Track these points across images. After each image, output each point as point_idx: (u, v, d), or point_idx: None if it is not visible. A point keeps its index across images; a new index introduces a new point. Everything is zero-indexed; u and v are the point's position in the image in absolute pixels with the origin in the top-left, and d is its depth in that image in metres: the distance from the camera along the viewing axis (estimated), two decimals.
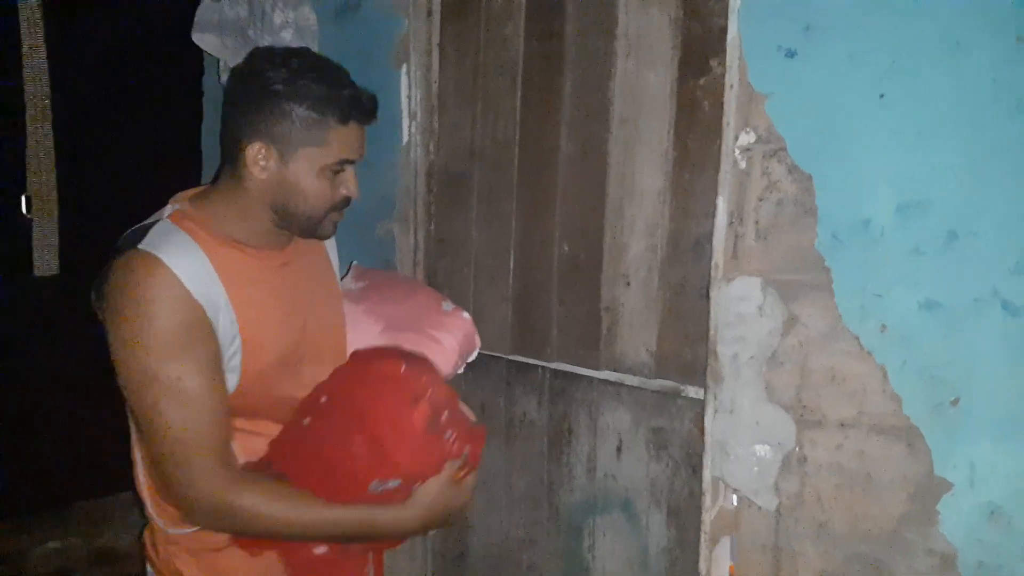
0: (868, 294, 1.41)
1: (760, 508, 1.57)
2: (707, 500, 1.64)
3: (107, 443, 2.53)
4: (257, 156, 1.30)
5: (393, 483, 1.29)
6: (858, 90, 1.39)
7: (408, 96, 2.16)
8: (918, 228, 1.35)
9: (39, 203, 1.98)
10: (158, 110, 2.60)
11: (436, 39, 2.16)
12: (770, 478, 1.55)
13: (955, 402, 1.34)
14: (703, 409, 1.64)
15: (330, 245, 1.62)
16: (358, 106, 1.32)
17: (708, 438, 1.63)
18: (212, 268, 1.28)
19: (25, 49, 1.90)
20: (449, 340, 1.68)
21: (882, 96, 1.37)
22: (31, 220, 1.98)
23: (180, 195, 1.39)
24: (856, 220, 1.41)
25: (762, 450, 1.56)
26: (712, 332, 1.60)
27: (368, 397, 1.33)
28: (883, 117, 1.37)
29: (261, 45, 2.13)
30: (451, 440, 1.32)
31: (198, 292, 1.25)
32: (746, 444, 1.58)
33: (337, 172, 1.34)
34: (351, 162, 1.36)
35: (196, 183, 2.68)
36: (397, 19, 2.15)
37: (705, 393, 1.63)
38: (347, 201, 1.39)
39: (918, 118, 1.34)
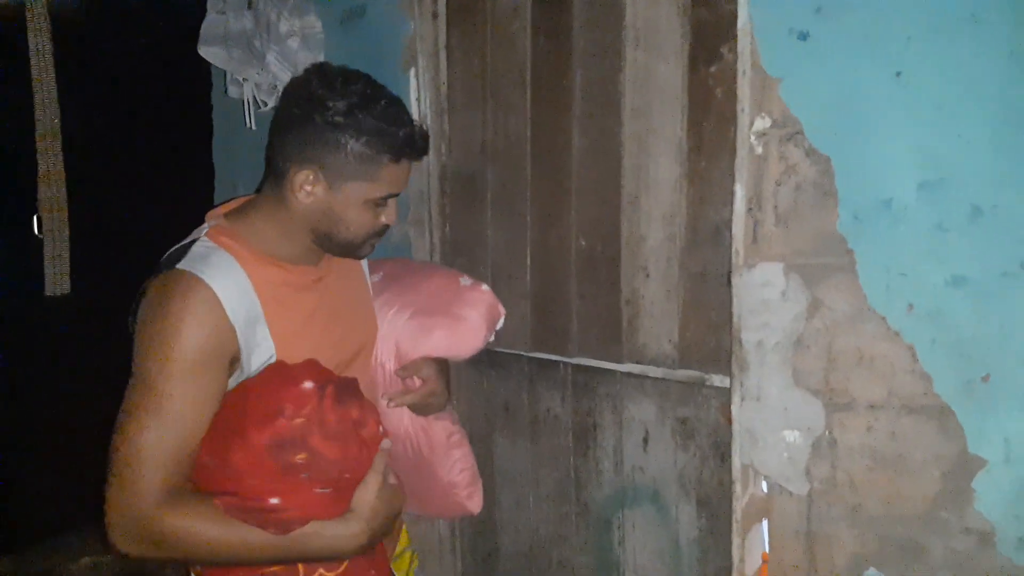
0: (893, 274, 1.40)
1: (792, 494, 1.57)
2: (738, 488, 1.63)
3: None
4: (305, 182, 1.29)
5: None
6: (874, 69, 1.39)
7: (418, 99, 2.16)
8: (941, 204, 1.34)
9: (50, 222, 1.98)
10: (168, 126, 2.60)
11: (443, 40, 2.16)
12: (801, 463, 1.55)
13: (986, 378, 1.33)
14: (729, 397, 1.64)
15: None
16: (412, 145, 1.32)
17: (736, 426, 1.62)
18: (251, 286, 1.28)
19: (34, 68, 1.90)
20: (474, 316, 1.67)
21: (899, 74, 1.36)
22: (42, 240, 1.97)
23: (214, 211, 1.38)
24: (878, 200, 1.40)
25: (791, 435, 1.56)
26: (736, 319, 1.60)
27: (260, 381, 1.26)
28: (900, 95, 1.36)
29: (267, 55, 2.14)
30: (301, 477, 1.21)
31: (235, 315, 1.24)
32: (775, 430, 1.57)
33: (380, 203, 1.35)
34: (396, 195, 1.37)
35: (208, 198, 2.70)
36: (403, 22, 2.15)
37: (731, 381, 1.63)
38: (387, 227, 1.40)
39: (936, 94, 1.33)
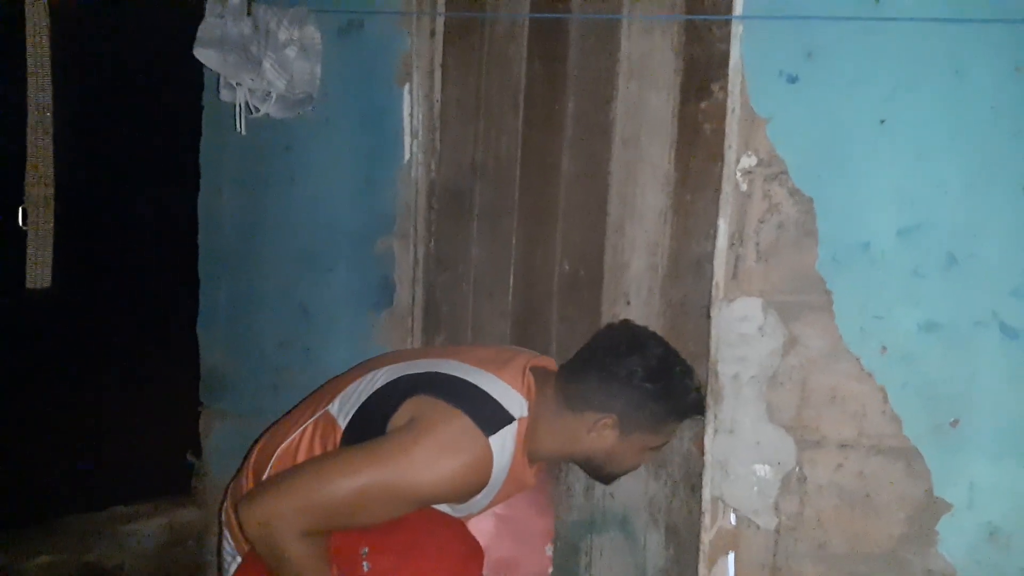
0: (868, 315, 1.43)
1: (760, 528, 1.58)
2: (706, 519, 1.64)
3: (96, 457, 2.51)
4: (602, 427, 1.46)
5: (367, 565, 1.36)
6: (859, 115, 1.42)
7: (410, 114, 2.17)
8: (918, 251, 1.37)
9: (35, 215, 1.96)
10: (158, 125, 2.59)
11: (439, 59, 2.18)
12: (770, 498, 1.56)
13: (955, 423, 1.35)
14: (703, 428, 1.65)
15: None
16: (697, 408, 1.54)
17: (708, 457, 1.64)
18: (508, 475, 1.42)
19: (30, 58, 1.89)
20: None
21: (883, 121, 1.40)
22: (26, 232, 1.96)
23: (531, 385, 1.48)
24: (857, 242, 1.43)
25: (762, 470, 1.57)
26: (713, 352, 1.62)
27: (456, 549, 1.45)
28: (884, 141, 1.40)
29: (263, 61, 2.14)
30: None
31: (484, 494, 1.41)
32: (746, 464, 1.59)
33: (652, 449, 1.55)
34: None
35: (193, 199, 2.68)
36: (400, 38, 2.17)
37: (705, 412, 1.64)
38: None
39: (918, 143, 1.37)
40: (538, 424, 1.45)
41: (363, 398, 1.45)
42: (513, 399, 1.42)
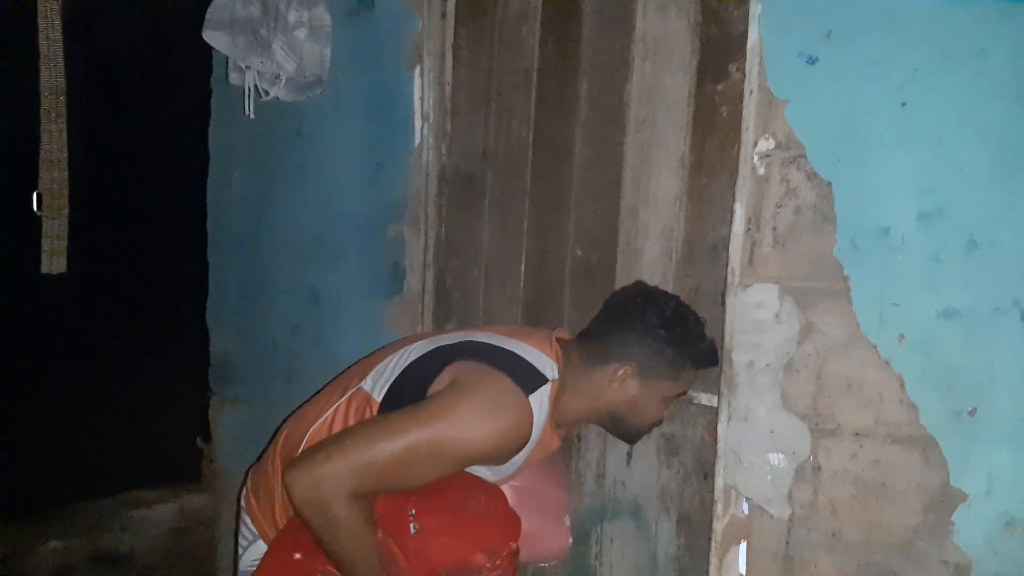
0: (887, 302, 1.40)
1: (773, 517, 1.56)
2: (719, 508, 1.63)
3: (108, 443, 2.52)
4: (623, 377, 1.51)
5: (414, 526, 1.38)
6: (879, 97, 1.39)
7: (421, 98, 2.15)
8: (938, 236, 1.34)
9: (50, 200, 1.97)
10: (167, 109, 2.59)
11: (450, 40, 2.15)
12: (784, 487, 1.54)
13: (972, 412, 1.33)
14: (716, 416, 1.63)
15: None
16: (711, 357, 1.57)
17: (721, 446, 1.62)
18: (539, 438, 1.46)
19: (42, 44, 1.89)
20: (535, 554, 1.72)
21: (904, 104, 1.36)
22: (41, 217, 1.98)
23: (557, 351, 1.54)
24: (876, 227, 1.40)
25: (776, 458, 1.55)
26: (727, 339, 1.60)
27: (491, 515, 1.48)
28: (904, 124, 1.37)
29: (273, 43, 2.12)
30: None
31: (521, 454, 1.45)
32: (760, 452, 1.57)
33: (670, 400, 1.59)
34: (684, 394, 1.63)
35: (202, 183, 2.68)
36: (411, 20, 2.15)
37: (719, 400, 1.62)
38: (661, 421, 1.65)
39: (939, 126, 1.33)
40: (564, 386, 1.50)
41: (398, 371, 1.49)
42: (544, 362, 1.48)
